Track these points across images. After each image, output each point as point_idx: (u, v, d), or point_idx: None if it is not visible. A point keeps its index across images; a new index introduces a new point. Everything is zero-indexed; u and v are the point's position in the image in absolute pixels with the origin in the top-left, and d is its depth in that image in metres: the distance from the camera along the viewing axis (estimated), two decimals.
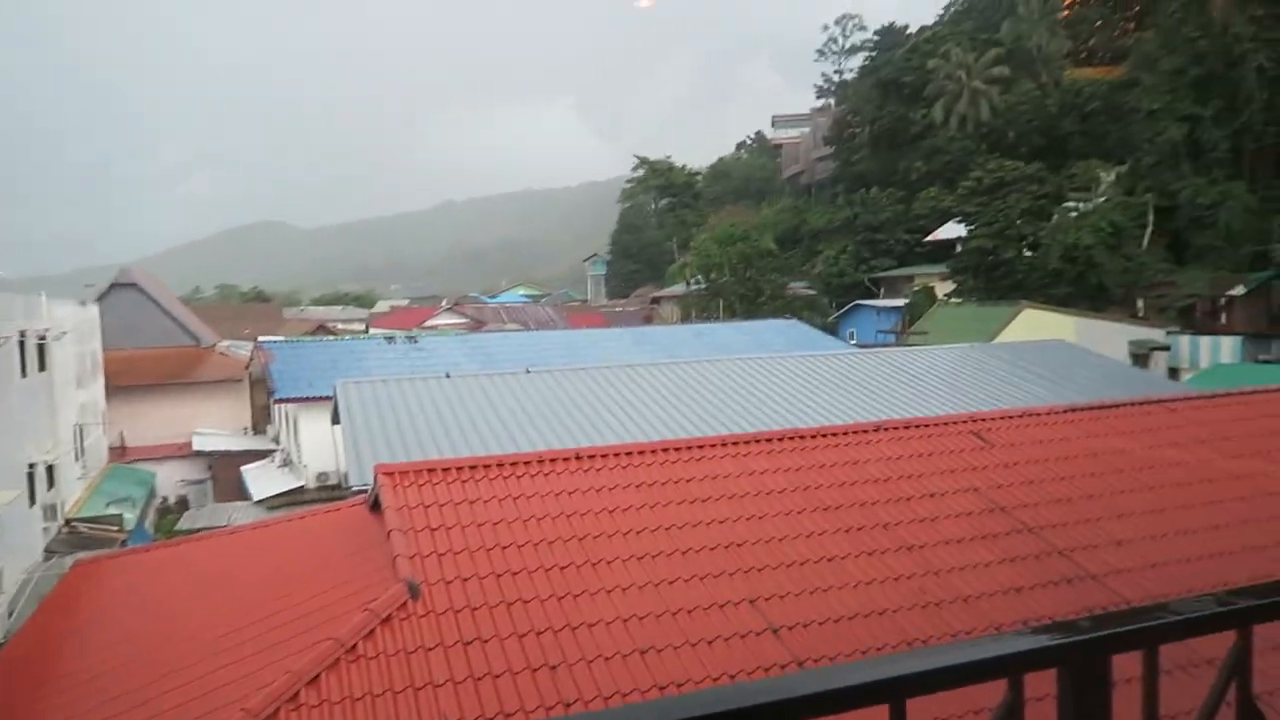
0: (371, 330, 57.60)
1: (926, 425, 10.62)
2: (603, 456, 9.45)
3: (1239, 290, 38.38)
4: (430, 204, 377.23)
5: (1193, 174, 43.28)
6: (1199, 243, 42.90)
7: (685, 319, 57.74)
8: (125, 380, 34.48)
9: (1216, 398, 12.08)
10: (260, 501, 25.89)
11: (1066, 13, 64.34)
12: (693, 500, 8.72)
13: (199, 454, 32.25)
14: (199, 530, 21.96)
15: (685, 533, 8.20)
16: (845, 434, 10.29)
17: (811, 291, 63.13)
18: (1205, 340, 37.78)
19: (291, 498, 25.41)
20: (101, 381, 32.80)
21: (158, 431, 33.68)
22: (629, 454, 9.54)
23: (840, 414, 19.21)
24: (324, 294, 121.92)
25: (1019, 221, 45.28)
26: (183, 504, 31.34)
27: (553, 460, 9.32)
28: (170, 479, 32.05)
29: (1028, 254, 45.50)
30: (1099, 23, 63.91)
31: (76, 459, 26.86)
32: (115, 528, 22.74)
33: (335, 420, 20.51)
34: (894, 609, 7.37)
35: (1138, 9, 61.61)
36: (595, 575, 7.55)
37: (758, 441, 9.97)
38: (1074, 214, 44.71)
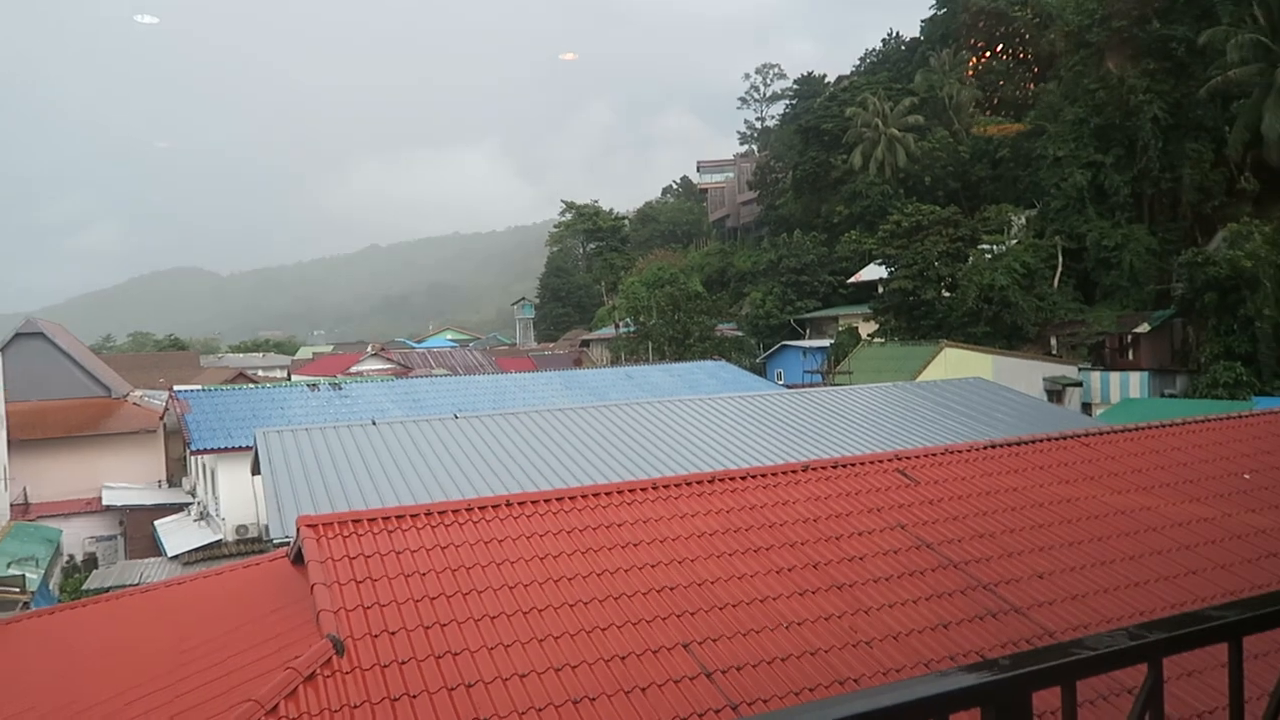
0: (294, 377, 56.31)
1: (853, 464, 10.78)
2: (533, 503, 9.35)
3: (1144, 328, 40.18)
4: (354, 248, 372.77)
5: (1097, 217, 45.40)
6: (1106, 282, 44.88)
7: (615, 361, 57.88)
8: (30, 433, 32.95)
9: (1127, 432, 12.55)
10: (175, 557, 24.91)
11: (971, 72, 67.29)
12: (625, 545, 8.67)
13: (109, 509, 30.91)
14: (108, 589, 20.99)
15: (618, 578, 8.13)
16: (774, 474, 10.38)
17: (739, 333, 63.96)
18: (1115, 376, 39.39)
19: (209, 552, 24.52)
20: (4, 435, 31.30)
21: (65, 487, 32.18)
22: (559, 499, 9.46)
23: (769, 454, 19.40)
24: (243, 341, 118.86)
25: (937, 263, 46.78)
26: (91, 562, 29.91)
27: (482, 508, 9.18)
28: (78, 536, 30.60)
29: (946, 294, 46.99)
30: (1001, 81, 67.04)
31: None
32: (17, 589, 21.55)
33: (255, 470, 19.91)
34: (826, 648, 7.40)
35: (1036, 68, 64.90)
36: (527, 624, 7.43)
37: (688, 484, 9.99)
38: (989, 256, 46.43)
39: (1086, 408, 38.27)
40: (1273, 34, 40.92)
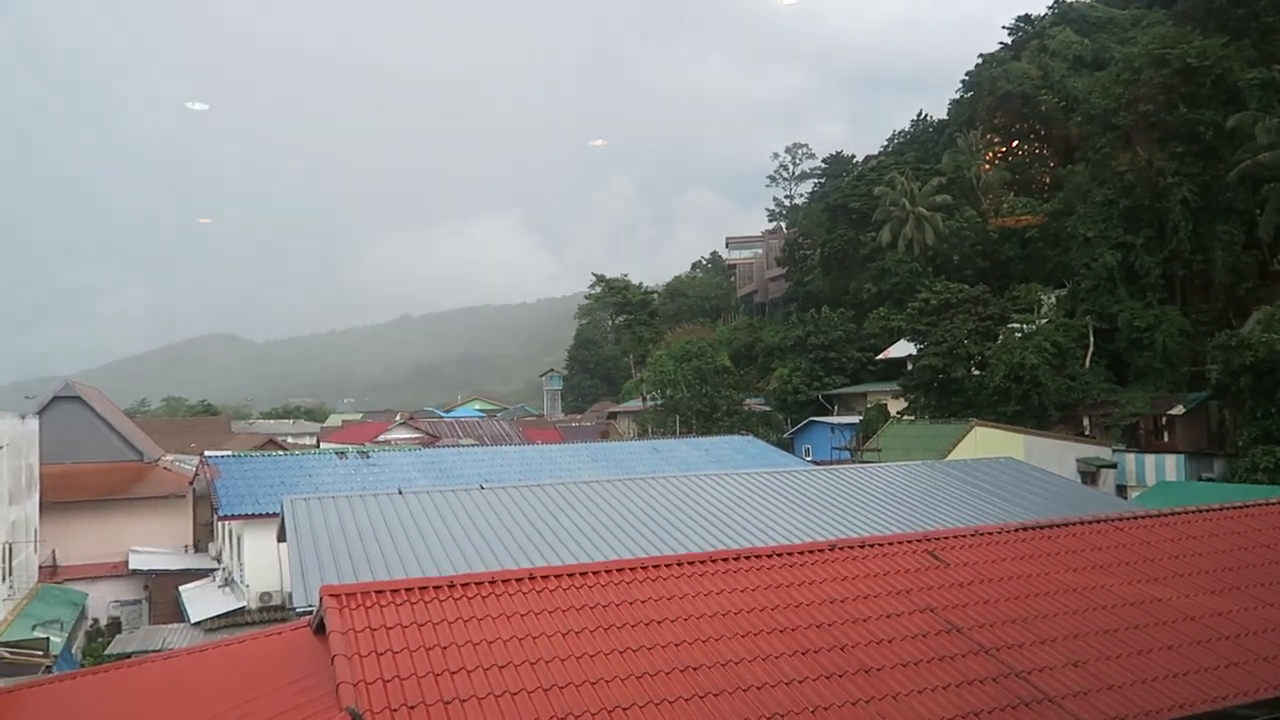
0: (323, 445, 56.68)
1: (881, 544, 10.63)
2: (557, 577, 9.28)
3: (1179, 410, 39.53)
4: (387, 318, 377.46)
5: (1128, 298, 45.15)
6: (1138, 363, 44.38)
7: (642, 434, 57.80)
8: (62, 496, 33.33)
9: (1164, 516, 12.29)
10: (198, 623, 24.85)
11: (993, 155, 67.96)
12: (649, 622, 8.56)
13: (135, 573, 31.00)
14: (130, 655, 20.94)
15: (641, 656, 8.01)
16: (801, 553, 10.25)
17: (767, 408, 63.74)
18: (1150, 458, 38.63)
19: (232, 619, 24.44)
20: (37, 498, 31.66)
21: (93, 549, 32.39)
22: (584, 574, 9.39)
23: (797, 532, 19.16)
24: (275, 407, 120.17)
25: (966, 341, 46.55)
26: (115, 626, 29.90)
27: (505, 581, 9.13)
28: (103, 600, 30.66)
29: (976, 373, 46.62)
30: (1028, 163, 67.62)
31: (3, 579, 25.65)
32: (40, 653, 21.54)
33: (281, 538, 19.94)
34: None
35: (1061, 151, 65.48)
36: (548, 701, 7.31)
37: (714, 561, 9.88)
38: (1018, 334, 46.16)
39: (1121, 490, 37.49)
40: None
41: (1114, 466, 38.44)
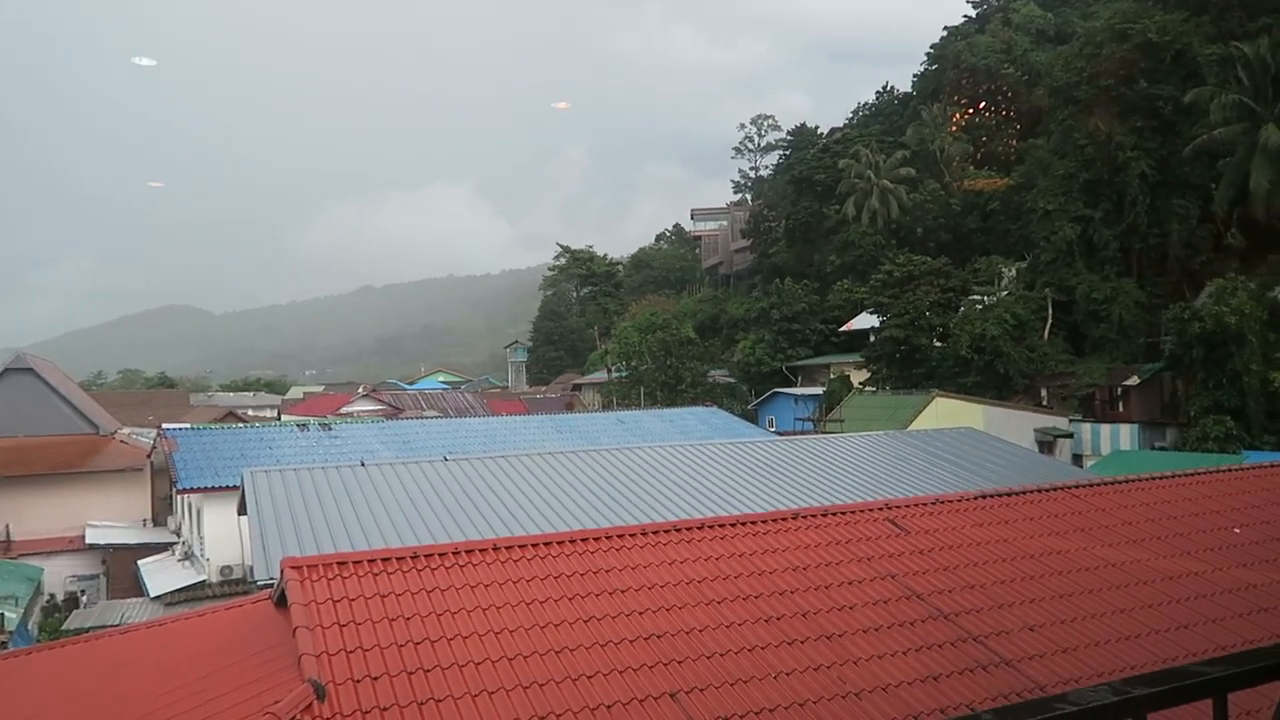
0: (284, 417, 56.04)
1: (843, 512, 10.74)
2: (520, 547, 9.27)
3: (1134, 380, 40.33)
4: (347, 289, 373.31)
5: (1086, 270, 45.82)
6: (1095, 335, 45.17)
7: (607, 406, 57.81)
8: (14, 470, 32.65)
9: (1118, 484, 12.54)
10: (158, 598, 24.56)
11: (956, 128, 68.26)
12: (612, 591, 8.59)
13: (92, 547, 30.52)
14: (88, 630, 20.65)
15: (605, 624, 8.04)
16: (764, 522, 10.32)
17: (731, 379, 64.03)
18: (1105, 428, 39.45)
19: (192, 593, 24.20)
20: None
21: (48, 524, 31.79)
22: (548, 544, 9.38)
23: (760, 502, 19.32)
24: (234, 380, 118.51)
25: (928, 313, 47.02)
26: (72, 602, 29.46)
27: (469, 551, 9.10)
28: (59, 575, 30.17)
29: (938, 344, 47.14)
30: (985, 137, 68.09)
31: None
32: None
33: (242, 511, 19.72)
34: (815, 699, 7.30)
35: (1020, 125, 65.96)
36: (512, 671, 7.32)
37: (677, 530, 9.92)
38: (979, 306, 46.71)
39: (1078, 459, 38.26)
40: (1256, 95, 41.74)
41: (1070, 436, 39.20)
